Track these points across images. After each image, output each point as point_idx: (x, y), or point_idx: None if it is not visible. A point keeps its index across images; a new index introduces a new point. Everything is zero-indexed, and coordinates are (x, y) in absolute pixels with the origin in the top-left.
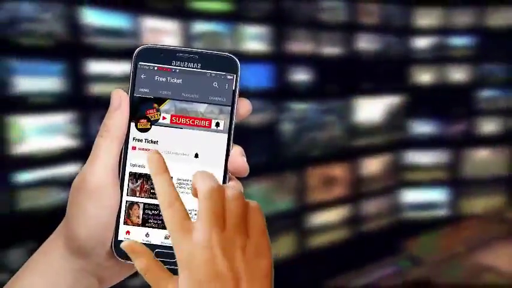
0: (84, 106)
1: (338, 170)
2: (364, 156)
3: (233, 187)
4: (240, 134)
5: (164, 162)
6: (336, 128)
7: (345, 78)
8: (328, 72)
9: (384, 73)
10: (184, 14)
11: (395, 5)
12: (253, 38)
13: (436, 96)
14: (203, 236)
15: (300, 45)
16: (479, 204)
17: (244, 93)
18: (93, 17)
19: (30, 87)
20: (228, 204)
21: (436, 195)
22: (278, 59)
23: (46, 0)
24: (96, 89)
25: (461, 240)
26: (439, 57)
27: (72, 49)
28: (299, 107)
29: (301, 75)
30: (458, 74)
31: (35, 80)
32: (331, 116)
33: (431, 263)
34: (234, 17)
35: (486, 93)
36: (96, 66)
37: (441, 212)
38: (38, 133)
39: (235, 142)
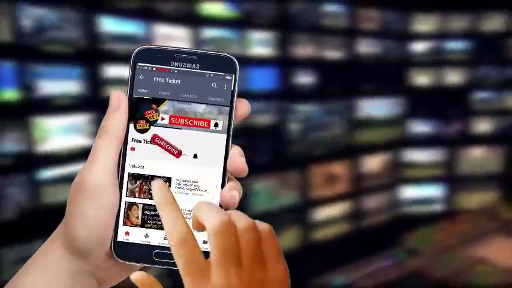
0: (102, 107)
1: (340, 168)
2: (365, 154)
3: (241, 215)
4: (246, 134)
5: (170, 192)
6: (337, 127)
7: (346, 81)
8: (331, 75)
9: (383, 76)
10: (193, 20)
11: (394, 11)
12: (260, 43)
13: (433, 97)
14: (222, 277)
15: (304, 49)
16: (473, 199)
17: (251, 95)
18: (109, 25)
19: (52, 90)
20: (240, 237)
21: (432, 191)
22: (283, 63)
23: (67, 9)
24: (113, 91)
25: (456, 234)
26: (436, 60)
27: (90, 55)
28: (303, 108)
29: (304, 78)
30: (454, 77)
31: (57, 84)
32: (333, 116)
33: (428, 255)
34: (241, 23)
35: (480, 95)
36: (112, 71)
37: (437, 207)
38: (60, 133)
39: (235, 142)
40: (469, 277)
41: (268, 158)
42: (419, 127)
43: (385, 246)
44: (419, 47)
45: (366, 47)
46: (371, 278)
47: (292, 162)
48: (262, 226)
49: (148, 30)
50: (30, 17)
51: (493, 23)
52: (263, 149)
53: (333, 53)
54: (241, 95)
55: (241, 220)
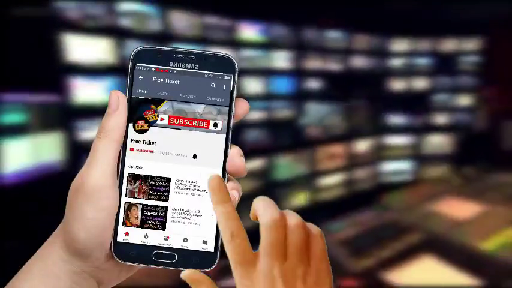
0: None
1: (338, 148)
2: (356, 139)
3: (294, 215)
4: (272, 125)
5: (226, 189)
6: (337, 120)
7: (343, 86)
8: (332, 82)
9: (370, 82)
10: (235, 44)
11: (378, 36)
12: (281, 59)
13: (405, 98)
14: (266, 268)
15: (313, 63)
16: (432, 172)
17: (275, 97)
18: None
19: None
20: (289, 234)
21: (403, 165)
22: (298, 73)
23: (154, 41)
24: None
25: (420, 196)
26: (408, 71)
27: None
28: (312, 106)
29: (313, 84)
30: (420, 83)
31: None
32: (334, 112)
33: (399, 210)
34: (268, 45)
35: (439, 97)
36: None
37: (407, 177)
38: None
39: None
40: (427, 225)
41: (287, 141)
42: (395, 119)
43: (369, 203)
44: (395, 62)
45: (358, 62)
46: (358, 225)
47: (304, 144)
48: (313, 228)
49: None
50: (129, 46)
51: (448, 45)
52: (284, 135)
53: (334, 66)
54: (267, 96)
55: (292, 219)
